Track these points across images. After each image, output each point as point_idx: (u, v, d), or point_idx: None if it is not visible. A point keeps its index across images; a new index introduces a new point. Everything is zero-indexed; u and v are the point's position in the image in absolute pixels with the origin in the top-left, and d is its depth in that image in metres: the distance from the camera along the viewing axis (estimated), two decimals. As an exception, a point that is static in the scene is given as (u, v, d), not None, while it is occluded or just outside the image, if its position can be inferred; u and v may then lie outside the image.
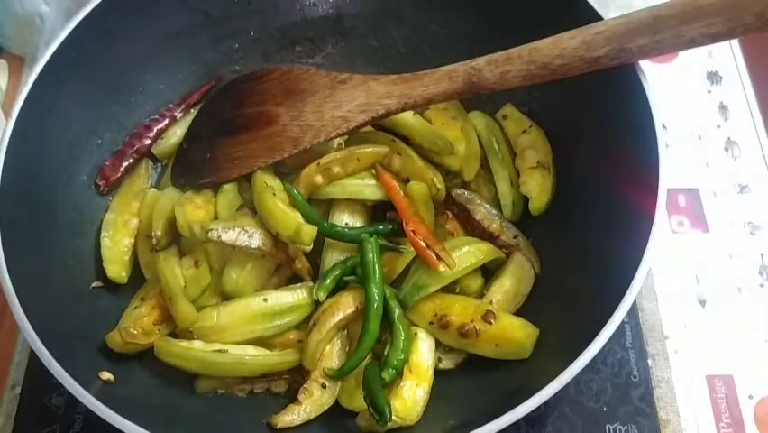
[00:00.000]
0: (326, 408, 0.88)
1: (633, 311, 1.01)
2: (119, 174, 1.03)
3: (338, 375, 0.88)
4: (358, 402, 0.86)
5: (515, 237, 0.98)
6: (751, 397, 0.96)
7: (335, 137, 0.96)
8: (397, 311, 0.89)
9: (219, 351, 0.88)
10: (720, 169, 1.15)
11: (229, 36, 1.12)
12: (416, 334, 0.90)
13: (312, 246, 0.92)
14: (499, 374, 0.87)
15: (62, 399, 0.95)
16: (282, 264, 0.96)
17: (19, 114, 0.87)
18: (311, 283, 0.94)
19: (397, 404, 0.83)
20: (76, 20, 0.94)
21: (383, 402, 0.80)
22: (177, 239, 0.98)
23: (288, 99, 0.98)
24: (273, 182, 0.96)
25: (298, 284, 0.95)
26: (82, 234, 0.98)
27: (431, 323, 0.90)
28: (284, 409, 0.87)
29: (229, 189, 0.98)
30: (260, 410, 0.88)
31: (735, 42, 1.26)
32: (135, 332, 0.88)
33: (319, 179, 0.97)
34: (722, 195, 1.12)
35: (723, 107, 1.21)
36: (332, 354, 0.91)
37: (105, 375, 0.82)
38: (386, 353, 0.87)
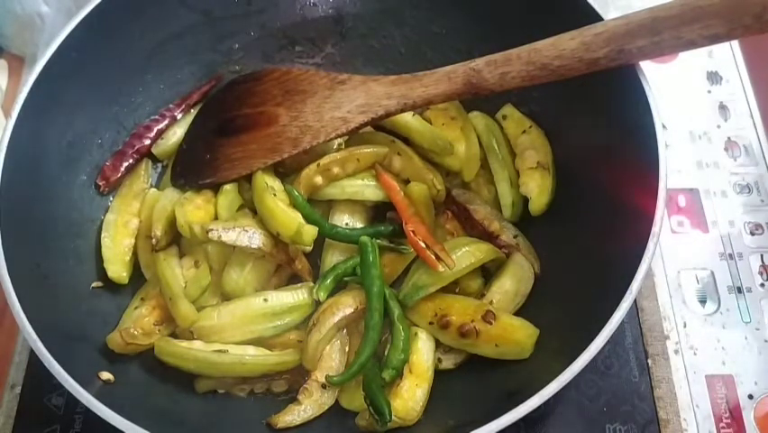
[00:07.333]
0: (326, 408, 0.88)
1: (633, 311, 1.01)
2: (119, 174, 1.03)
3: (339, 383, 0.87)
4: (358, 402, 0.86)
5: (515, 237, 0.98)
6: (751, 397, 0.96)
7: (335, 138, 0.96)
8: (396, 311, 0.89)
9: (219, 351, 0.88)
10: (720, 169, 1.15)
11: (229, 36, 1.12)
12: (416, 334, 0.90)
13: (312, 247, 0.92)
14: (499, 374, 0.87)
15: (62, 399, 0.95)
16: (282, 264, 0.96)
17: (19, 114, 0.87)
18: (311, 283, 0.94)
19: (397, 404, 0.83)
20: (76, 20, 0.94)
21: (383, 402, 0.81)
22: (177, 239, 0.98)
23: (287, 100, 0.98)
24: (274, 183, 0.96)
25: (298, 284, 0.95)
26: (82, 234, 0.98)
27: (431, 323, 0.90)
28: (284, 409, 0.87)
29: (229, 190, 0.98)
30: (260, 410, 0.88)
31: (735, 43, 1.26)
32: (136, 333, 0.88)
33: (319, 179, 0.97)
34: (722, 195, 1.12)
35: (723, 107, 1.20)
36: (332, 354, 0.91)
37: (105, 375, 0.83)
38: (386, 353, 0.87)
